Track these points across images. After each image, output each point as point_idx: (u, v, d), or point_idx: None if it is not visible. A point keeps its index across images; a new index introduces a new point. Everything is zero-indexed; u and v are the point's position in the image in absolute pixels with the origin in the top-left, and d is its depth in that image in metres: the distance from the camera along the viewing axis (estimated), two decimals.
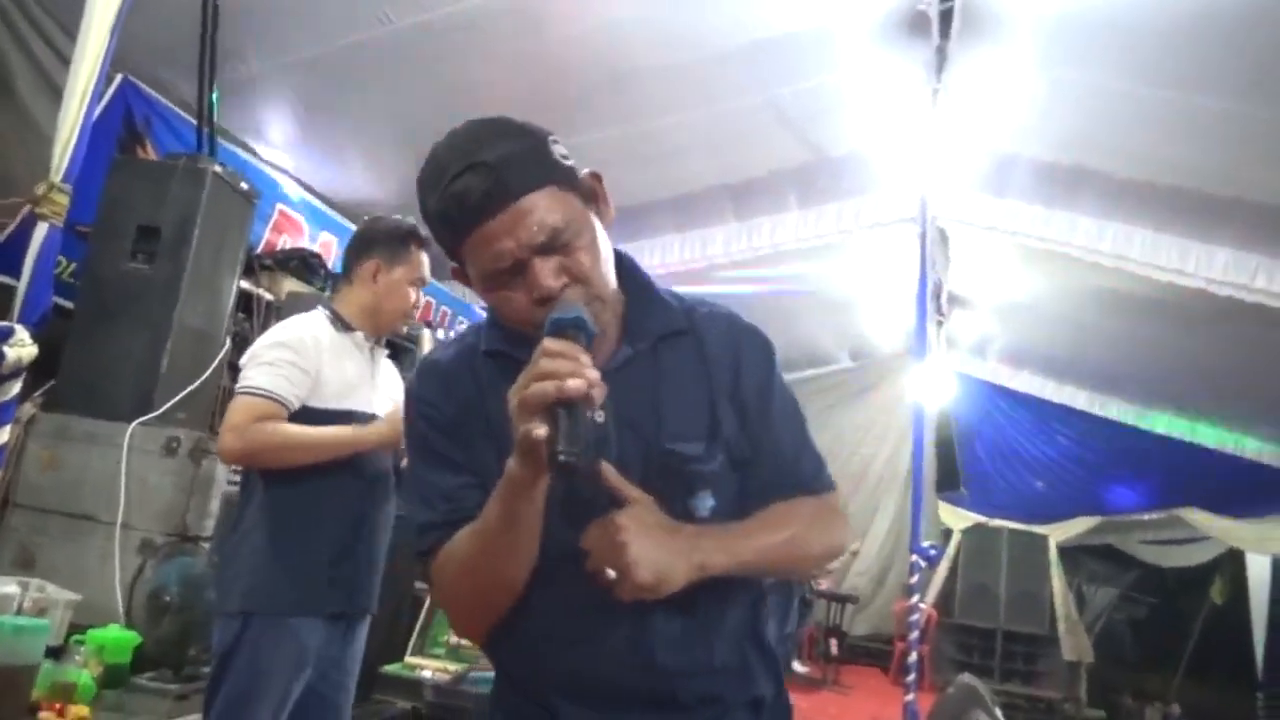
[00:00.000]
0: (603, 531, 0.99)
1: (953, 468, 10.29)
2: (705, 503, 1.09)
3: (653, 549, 0.98)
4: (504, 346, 1.11)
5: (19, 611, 2.27)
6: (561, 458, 0.88)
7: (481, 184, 0.99)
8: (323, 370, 2.07)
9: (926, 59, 4.78)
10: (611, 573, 0.97)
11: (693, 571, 1.00)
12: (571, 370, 0.90)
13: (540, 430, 0.89)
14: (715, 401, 1.13)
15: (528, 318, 1.02)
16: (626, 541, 0.97)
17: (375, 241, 2.25)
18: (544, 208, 1.01)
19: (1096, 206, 5.55)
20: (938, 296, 7.43)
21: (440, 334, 4.44)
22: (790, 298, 7.59)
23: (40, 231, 2.38)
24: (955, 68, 4.80)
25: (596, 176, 1.11)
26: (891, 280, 7.28)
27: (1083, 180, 5.42)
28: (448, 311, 6.50)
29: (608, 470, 1.04)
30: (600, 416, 1.03)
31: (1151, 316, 6.40)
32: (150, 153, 3.95)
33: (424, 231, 2.30)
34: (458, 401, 1.12)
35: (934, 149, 5.55)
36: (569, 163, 1.08)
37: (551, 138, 1.08)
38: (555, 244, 1.01)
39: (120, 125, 4.00)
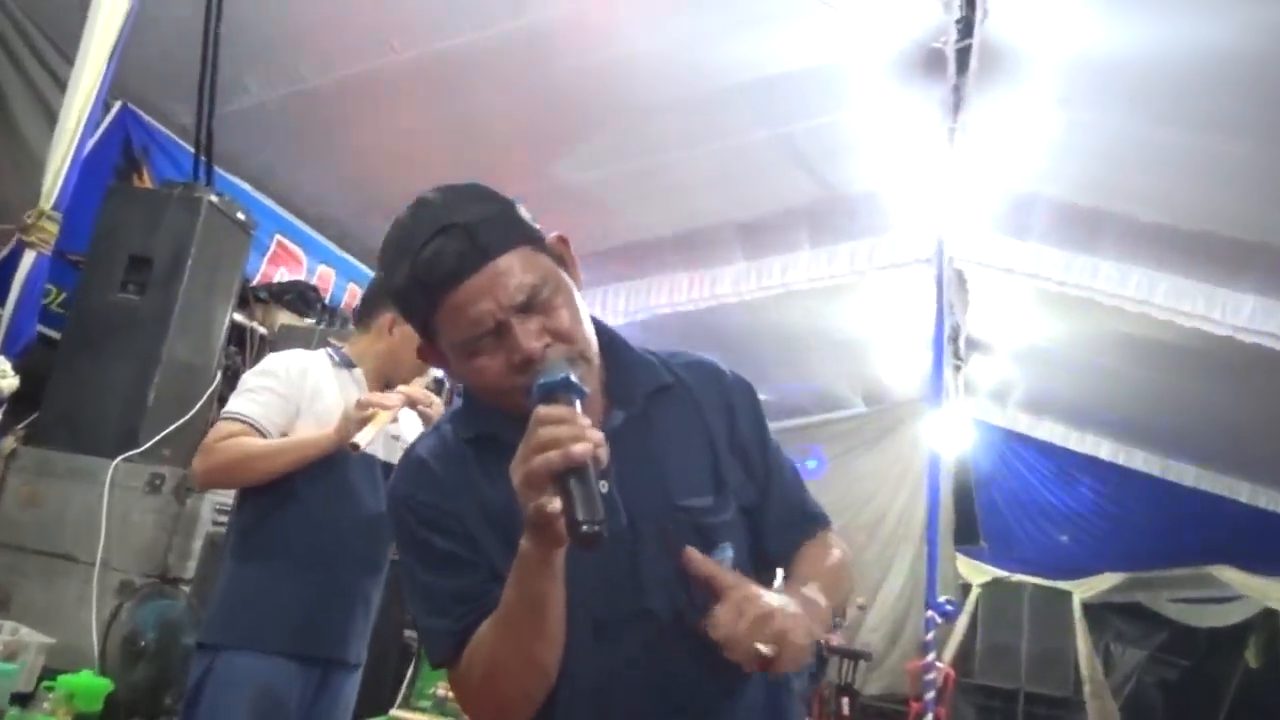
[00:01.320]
0: (741, 612, 0.95)
1: (971, 519, 10.19)
2: (726, 554, 1.10)
3: (797, 619, 0.97)
4: (485, 429, 1.09)
5: None
6: (584, 529, 0.86)
7: (456, 246, 0.99)
8: (313, 402, 2.08)
9: (943, 97, 4.82)
10: (766, 649, 0.93)
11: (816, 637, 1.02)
12: (573, 435, 0.87)
13: (554, 504, 0.87)
14: (716, 451, 1.16)
15: (507, 385, 1.01)
16: (777, 616, 0.95)
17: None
18: (520, 267, 1.02)
19: (1118, 250, 5.55)
20: (955, 340, 7.42)
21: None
22: (801, 341, 7.59)
23: (27, 260, 2.40)
24: (972, 107, 4.83)
25: (564, 240, 1.12)
26: (907, 323, 7.28)
27: (1104, 223, 5.43)
28: None
29: (694, 555, 1.03)
30: (604, 486, 0.99)
31: (1177, 364, 6.37)
32: (148, 181, 3.99)
33: None
34: (450, 493, 1.08)
35: (950, 189, 5.58)
36: (536, 226, 1.09)
37: (517, 201, 1.09)
38: (534, 302, 1.02)
39: (118, 153, 4.06)
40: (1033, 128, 4.91)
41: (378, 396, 2.03)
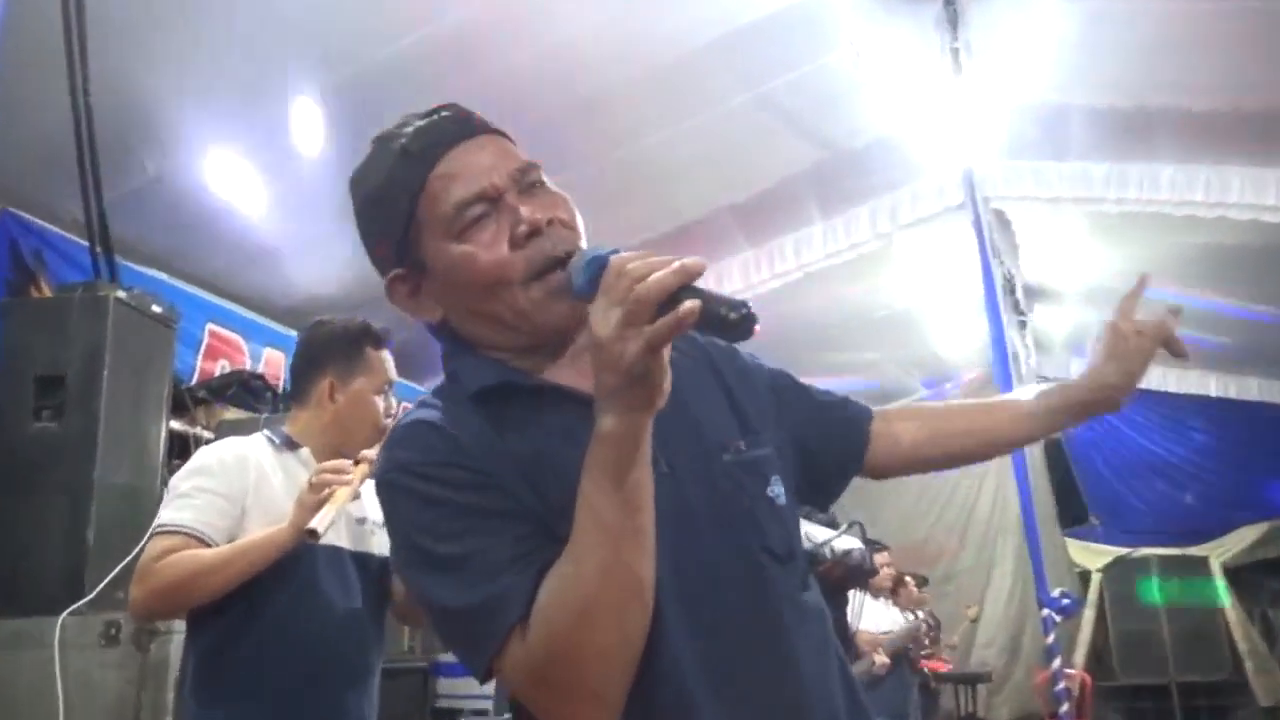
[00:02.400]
0: None
1: (1075, 496, 10.10)
2: (778, 489, 1.16)
3: None
4: (489, 379, 1.09)
5: None
6: (732, 314, 0.88)
7: (453, 116, 1.10)
8: (258, 496, 2.04)
9: (936, 15, 4.82)
10: None
11: None
12: (665, 261, 0.88)
13: (692, 303, 0.85)
14: (730, 389, 1.22)
15: (503, 266, 1.04)
16: None
17: (324, 353, 2.24)
18: (515, 148, 1.12)
19: (1177, 150, 5.51)
20: (1012, 292, 7.35)
21: None
22: (835, 328, 7.55)
23: None
24: (972, 20, 4.82)
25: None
26: (953, 284, 7.22)
27: (1153, 122, 5.39)
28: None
29: None
30: None
31: (1273, 267, 6.28)
32: (46, 291, 4.00)
33: (377, 325, 2.30)
34: (475, 453, 1.04)
35: (968, 119, 5.55)
36: None
37: None
38: (533, 183, 1.09)
39: (7, 265, 4.06)
40: (1046, 29, 4.88)
41: (331, 468, 1.99)
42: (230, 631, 1.99)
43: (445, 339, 1.16)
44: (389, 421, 2.24)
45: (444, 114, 1.11)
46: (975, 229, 6.35)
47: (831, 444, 1.36)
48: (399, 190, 1.09)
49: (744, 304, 0.90)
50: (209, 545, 1.96)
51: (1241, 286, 6.78)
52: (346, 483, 1.97)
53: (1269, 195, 5.38)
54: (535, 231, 1.04)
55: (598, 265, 0.94)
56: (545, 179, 1.11)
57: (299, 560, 2.01)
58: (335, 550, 2.10)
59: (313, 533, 1.87)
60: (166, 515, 2.00)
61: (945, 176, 6.24)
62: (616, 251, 0.95)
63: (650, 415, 0.93)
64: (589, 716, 0.99)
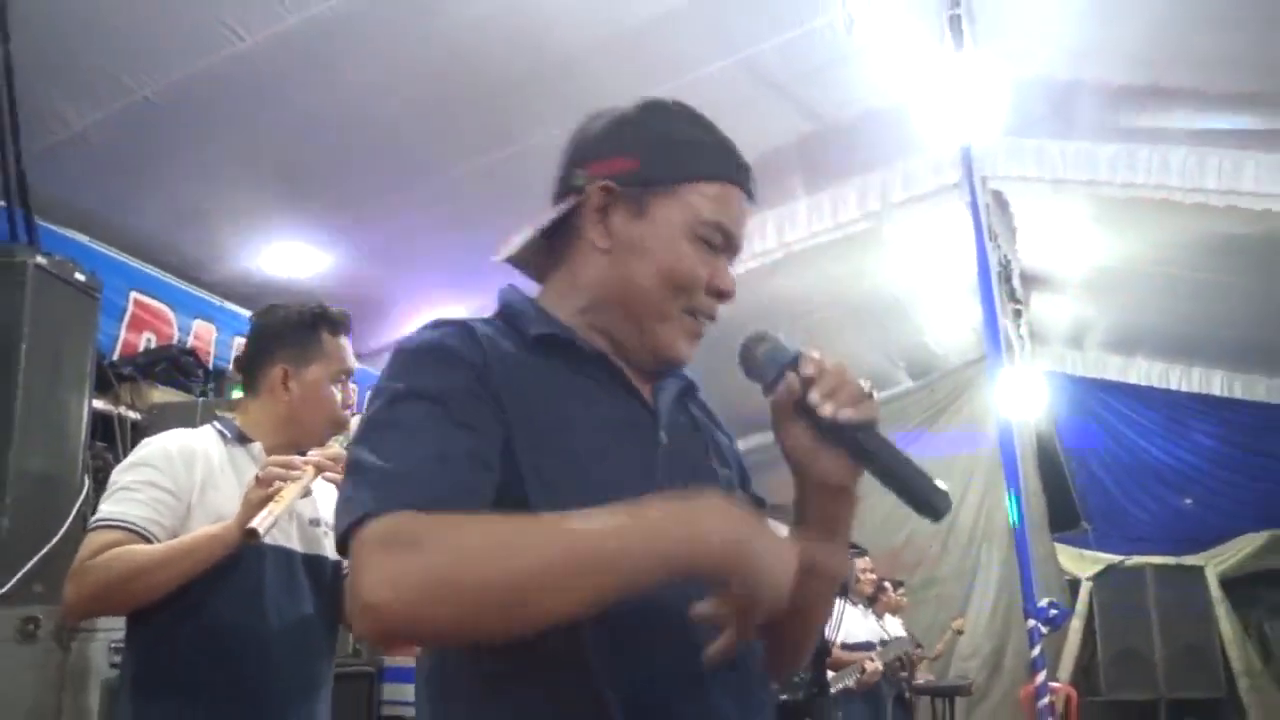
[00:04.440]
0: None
1: (1066, 499, 10.25)
2: None
3: None
4: (560, 331, 1.22)
5: None
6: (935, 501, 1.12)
7: (748, 168, 1.27)
8: (204, 493, 2.05)
9: None
10: None
11: None
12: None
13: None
14: (715, 424, 1.42)
15: (693, 285, 1.21)
16: None
17: (276, 339, 2.26)
18: None
19: (1190, 133, 5.58)
20: (1008, 280, 7.44)
21: None
22: (818, 312, 7.60)
23: None
24: None
25: None
26: (945, 269, 7.30)
27: (1167, 102, 5.46)
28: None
29: None
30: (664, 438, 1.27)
31: None
32: None
33: (332, 310, 2.30)
34: (496, 371, 1.13)
35: (968, 92, 5.59)
36: None
37: None
38: (734, 252, 1.27)
39: None
40: None
41: (280, 463, 2.00)
42: (170, 633, 2.00)
43: (530, 276, 1.33)
44: (347, 413, 2.26)
45: (742, 160, 1.27)
46: (971, 210, 6.41)
47: None
48: (703, 154, 1.25)
49: (946, 493, 1.12)
50: (151, 543, 1.98)
51: (1251, 278, 6.90)
52: (296, 479, 1.99)
53: None
54: (726, 295, 1.24)
55: (786, 361, 1.15)
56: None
57: (244, 561, 2.03)
58: (285, 552, 2.12)
59: (253, 533, 1.88)
60: (106, 509, 2.01)
61: (941, 153, 6.28)
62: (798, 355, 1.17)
63: (750, 560, 1.00)
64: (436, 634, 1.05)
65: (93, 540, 1.98)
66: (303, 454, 2.14)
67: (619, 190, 1.21)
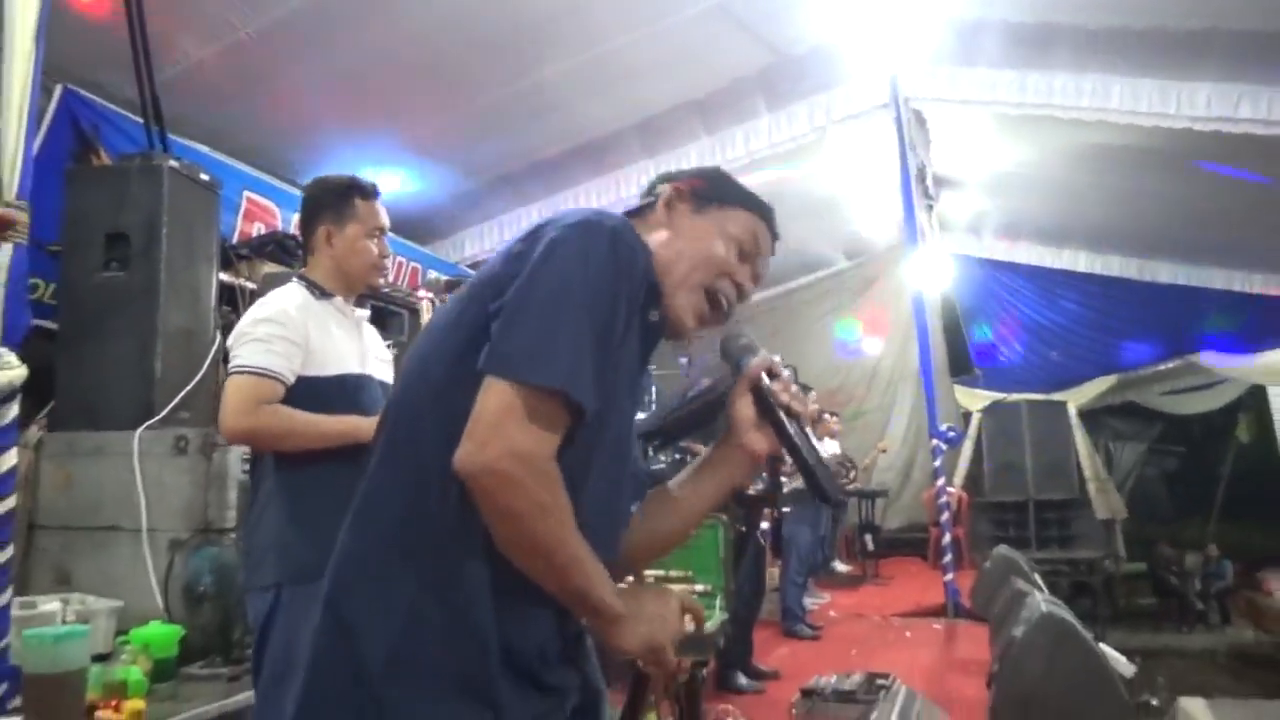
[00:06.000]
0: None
1: (963, 351, 10.34)
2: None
3: None
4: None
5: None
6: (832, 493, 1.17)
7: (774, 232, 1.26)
8: (310, 339, 2.06)
9: None
10: None
11: None
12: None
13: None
14: None
15: (721, 280, 1.18)
16: None
17: (319, 206, 2.22)
18: None
19: (1071, 61, 5.46)
20: (923, 181, 7.36)
21: (436, 301, 4.39)
22: (776, 207, 7.53)
23: (5, 252, 2.37)
24: None
25: None
26: (875, 172, 7.20)
27: (1054, 37, 5.33)
28: (405, 263, 6.26)
29: None
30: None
31: (1141, 166, 6.34)
32: (105, 160, 3.90)
33: (362, 179, 2.27)
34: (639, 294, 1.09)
35: (895, 29, 5.45)
36: None
37: None
38: (756, 276, 1.24)
39: (70, 137, 3.95)
40: None
41: None
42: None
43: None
44: (386, 261, 2.26)
45: (774, 218, 1.25)
46: (896, 125, 6.33)
47: None
48: (750, 198, 1.24)
49: (841, 490, 1.06)
50: (286, 385, 2.01)
51: (1114, 178, 6.83)
52: None
53: (1142, 102, 5.38)
54: (741, 290, 1.20)
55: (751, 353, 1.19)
56: None
57: (351, 394, 2.08)
58: (371, 381, 2.17)
59: None
60: (252, 356, 2.00)
61: (873, 80, 6.18)
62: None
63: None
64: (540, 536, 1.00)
65: (252, 385, 1.99)
66: (354, 293, 2.20)
67: (686, 190, 1.22)
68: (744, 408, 1.17)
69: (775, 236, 1.25)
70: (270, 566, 2.00)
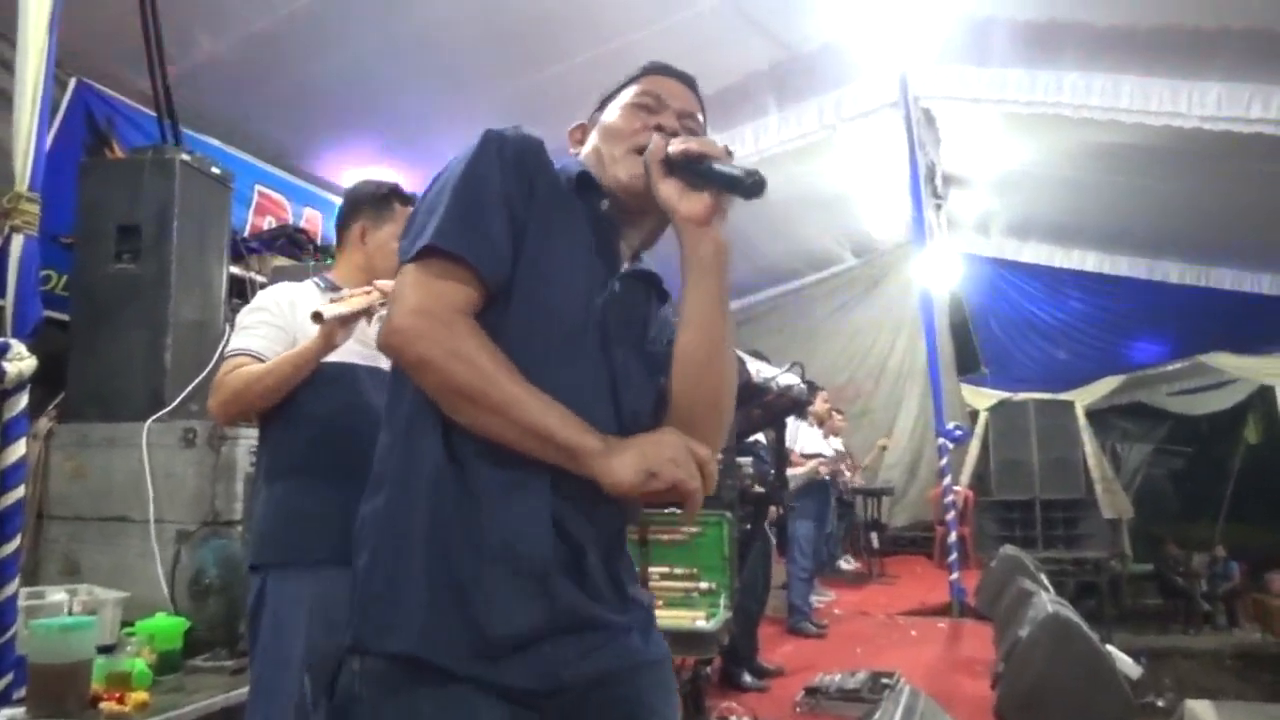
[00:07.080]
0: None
1: (971, 349, 10.29)
2: (661, 381, 1.25)
3: None
4: (588, 178, 1.23)
5: (69, 615, 2.33)
6: (750, 179, 1.08)
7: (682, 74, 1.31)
8: (306, 329, 2.06)
9: None
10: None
11: None
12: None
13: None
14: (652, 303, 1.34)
15: (639, 136, 1.21)
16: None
17: (360, 204, 2.26)
18: (700, 107, 1.31)
19: (1080, 60, 5.41)
20: (932, 179, 7.31)
21: None
22: (784, 206, 7.50)
23: (16, 244, 2.37)
24: None
25: None
26: (884, 171, 7.17)
27: (1063, 35, 5.27)
28: None
29: None
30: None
31: (1151, 165, 6.28)
32: (118, 152, 3.90)
33: (403, 188, 2.30)
34: (541, 187, 1.16)
35: (907, 27, 5.41)
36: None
37: None
38: (691, 126, 1.26)
39: (84, 129, 3.96)
40: None
41: (350, 291, 2.04)
42: (290, 431, 2.04)
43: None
44: None
45: (669, 65, 1.33)
46: (905, 123, 6.29)
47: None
48: (636, 73, 1.32)
49: (756, 171, 1.08)
50: (264, 360, 2.01)
51: (1123, 177, 6.77)
52: (365, 293, 2.00)
53: (1152, 101, 5.33)
54: (664, 129, 1.22)
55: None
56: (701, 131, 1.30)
57: (344, 374, 2.06)
58: (376, 369, 2.15)
59: (317, 315, 1.91)
60: (237, 342, 2.04)
61: (882, 78, 6.13)
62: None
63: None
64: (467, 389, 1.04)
65: (226, 365, 2.03)
66: None
67: (597, 108, 1.32)
68: (667, 189, 1.15)
69: (678, 76, 1.30)
70: (254, 548, 2.04)
